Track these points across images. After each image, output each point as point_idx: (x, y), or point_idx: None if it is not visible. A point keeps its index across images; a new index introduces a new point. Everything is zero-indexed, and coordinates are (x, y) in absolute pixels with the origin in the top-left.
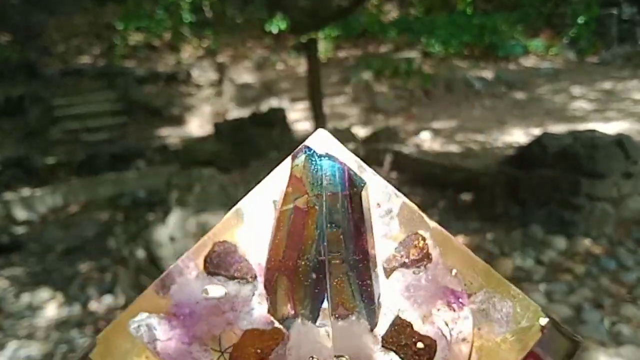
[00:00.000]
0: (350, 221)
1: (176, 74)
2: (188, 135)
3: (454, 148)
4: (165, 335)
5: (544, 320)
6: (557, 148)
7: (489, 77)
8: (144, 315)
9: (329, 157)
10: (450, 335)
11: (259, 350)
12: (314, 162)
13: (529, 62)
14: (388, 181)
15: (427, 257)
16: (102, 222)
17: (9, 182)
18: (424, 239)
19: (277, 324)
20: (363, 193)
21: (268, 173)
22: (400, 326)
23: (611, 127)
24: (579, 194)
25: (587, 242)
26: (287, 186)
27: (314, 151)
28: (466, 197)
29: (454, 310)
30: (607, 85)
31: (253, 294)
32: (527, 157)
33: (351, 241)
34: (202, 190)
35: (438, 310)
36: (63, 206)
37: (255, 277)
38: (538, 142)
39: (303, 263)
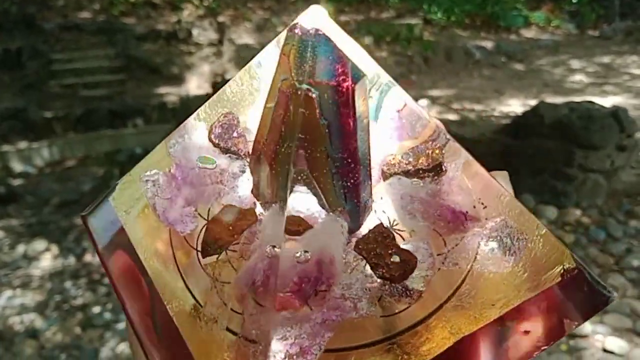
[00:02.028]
0: (338, 115)
1: (176, 32)
2: (186, 94)
3: (451, 116)
4: (164, 194)
5: (569, 265)
6: (553, 118)
7: (489, 46)
8: (154, 171)
9: (321, 38)
10: (443, 257)
11: (230, 227)
12: (304, 43)
13: (529, 33)
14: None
15: (438, 169)
16: (98, 177)
17: (6, 134)
18: (440, 149)
19: (257, 206)
20: (358, 85)
21: None
22: (379, 234)
23: (608, 101)
24: (572, 164)
25: (577, 212)
26: (277, 65)
27: (307, 30)
28: None
29: (453, 232)
30: (606, 59)
31: (242, 172)
32: (523, 126)
33: (337, 137)
34: None
35: (432, 227)
36: (60, 160)
37: (248, 154)
38: (534, 111)
39: (283, 150)
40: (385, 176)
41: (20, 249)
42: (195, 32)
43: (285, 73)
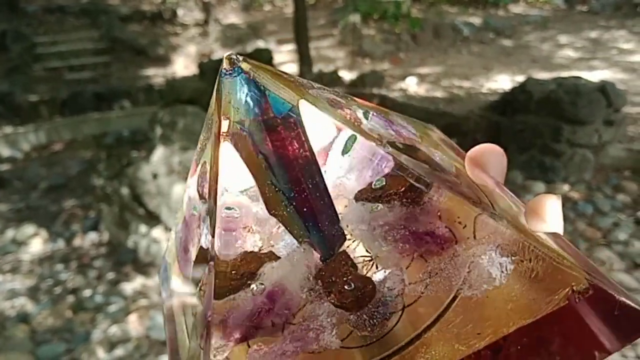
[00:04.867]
0: (273, 148)
1: (161, 12)
2: (173, 75)
3: (439, 93)
4: (179, 243)
5: (580, 286)
6: (541, 94)
7: (477, 23)
8: (180, 223)
9: (244, 78)
10: (423, 283)
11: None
12: (227, 85)
13: (517, 9)
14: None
15: (412, 191)
16: (85, 160)
17: None
18: (412, 174)
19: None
20: (287, 119)
21: None
22: (337, 262)
23: (596, 76)
24: (560, 140)
25: (565, 187)
26: (212, 108)
27: (227, 72)
28: None
29: (430, 255)
30: (594, 34)
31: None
32: (511, 103)
33: (279, 169)
34: (186, 127)
35: (398, 251)
36: (47, 144)
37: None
38: (522, 87)
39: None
40: (353, 204)
41: (9, 234)
42: (180, 12)
43: (215, 115)
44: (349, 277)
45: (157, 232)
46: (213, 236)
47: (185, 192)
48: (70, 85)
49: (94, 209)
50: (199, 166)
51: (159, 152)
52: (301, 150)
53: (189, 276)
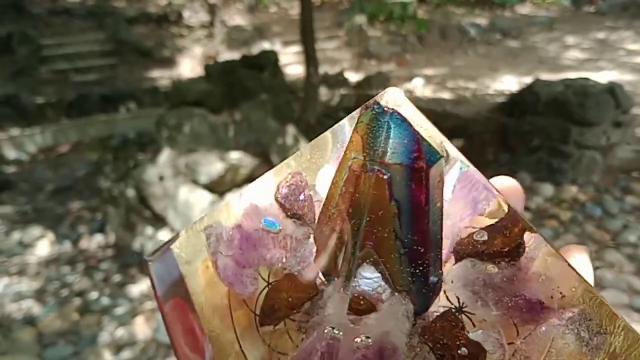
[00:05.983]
0: (410, 197)
1: (167, 14)
2: (178, 77)
3: (446, 95)
4: (226, 251)
5: None
6: (549, 95)
7: (484, 24)
8: (218, 224)
9: (397, 119)
10: (514, 348)
11: (290, 299)
12: (379, 123)
13: (524, 10)
14: None
15: (517, 252)
16: (91, 162)
17: None
18: (521, 228)
19: (319, 276)
20: (434, 168)
21: (259, 114)
22: (447, 321)
23: (603, 77)
24: (568, 141)
25: (574, 189)
26: (349, 141)
27: (383, 109)
28: (457, 143)
29: (527, 322)
30: (601, 35)
31: (307, 239)
32: (519, 104)
33: (408, 219)
34: (192, 129)
35: (506, 317)
36: (53, 146)
37: (314, 221)
38: (530, 89)
39: (350, 228)
40: (457, 257)
41: (16, 236)
42: (186, 14)
43: (357, 151)
44: (461, 341)
45: (163, 235)
46: (348, 278)
47: (243, 194)
48: (77, 87)
49: (100, 211)
50: (287, 175)
51: (165, 155)
52: (438, 204)
53: (252, 297)
